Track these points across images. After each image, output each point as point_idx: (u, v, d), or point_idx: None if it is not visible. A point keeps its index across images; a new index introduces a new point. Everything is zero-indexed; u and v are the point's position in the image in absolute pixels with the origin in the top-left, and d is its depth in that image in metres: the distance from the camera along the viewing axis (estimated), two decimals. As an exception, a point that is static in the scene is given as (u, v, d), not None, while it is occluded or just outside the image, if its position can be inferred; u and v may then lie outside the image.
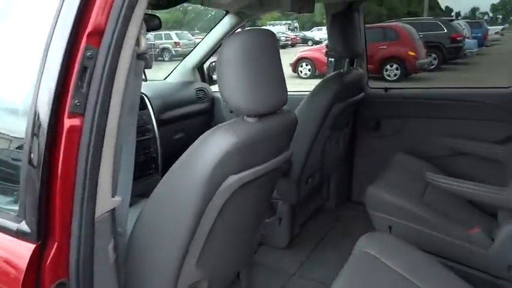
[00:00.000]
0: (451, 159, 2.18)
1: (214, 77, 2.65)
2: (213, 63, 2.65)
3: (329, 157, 2.06)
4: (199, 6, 2.54)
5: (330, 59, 2.33)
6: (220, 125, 1.03)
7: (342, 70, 2.02)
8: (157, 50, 15.18)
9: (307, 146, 1.85)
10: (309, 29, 26.02)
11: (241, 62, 1.00)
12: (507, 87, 2.07)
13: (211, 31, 2.53)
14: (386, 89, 2.38)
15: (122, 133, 0.89)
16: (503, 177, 1.81)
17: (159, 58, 15.06)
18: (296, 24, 28.78)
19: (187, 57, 2.67)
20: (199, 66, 2.64)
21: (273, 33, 1.11)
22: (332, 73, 1.99)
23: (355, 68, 2.15)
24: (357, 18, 1.99)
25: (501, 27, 24.54)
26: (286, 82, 1.13)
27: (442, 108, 2.20)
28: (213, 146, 0.98)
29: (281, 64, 1.14)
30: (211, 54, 2.66)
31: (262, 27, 1.27)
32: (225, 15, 2.43)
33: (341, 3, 2.17)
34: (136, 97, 1.01)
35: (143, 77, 1.03)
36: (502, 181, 1.81)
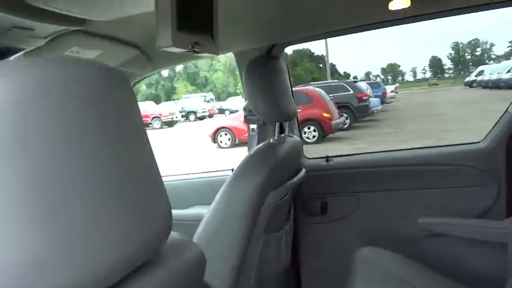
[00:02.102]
0: (426, 244, 1.62)
1: None
2: None
3: (269, 271, 1.36)
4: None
5: (251, 125, 1.71)
6: None
7: (271, 140, 1.40)
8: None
9: (234, 263, 1.13)
10: (225, 99, 26.64)
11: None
12: (478, 142, 1.63)
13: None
14: (327, 159, 1.81)
15: None
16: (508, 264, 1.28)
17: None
18: (212, 96, 29.28)
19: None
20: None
21: (123, 74, 0.45)
22: (259, 145, 1.34)
23: (289, 135, 1.55)
24: (283, 67, 1.43)
25: (394, 86, 27.70)
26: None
27: (403, 177, 1.68)
28: None
29: (149, 143, 0.47)
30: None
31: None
32: None
33: (256, 50, 1.61)
34: None
35: None
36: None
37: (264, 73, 1.30)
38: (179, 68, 38.71)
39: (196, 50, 0.85)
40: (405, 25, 1.55)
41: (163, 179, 0.49)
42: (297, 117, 1.82)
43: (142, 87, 37.95)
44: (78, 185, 0.37)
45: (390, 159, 1.74)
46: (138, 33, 1.28)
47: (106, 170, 0.40)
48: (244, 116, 1.63)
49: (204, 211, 1.22)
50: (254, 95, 1.29)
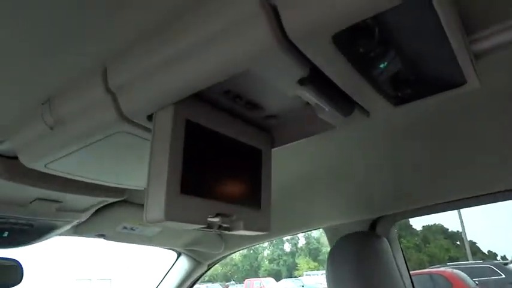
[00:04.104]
0: None
1: None
2: None
3: None
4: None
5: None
6: None
7: None
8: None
9: None
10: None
11: None
12: None
13: (160, 283, 1.63)
14: None
15: None
16: None
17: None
18: (334, 274, 27.21)
19: None
20: None
21: None
22: None
23: None
24: (388, 249, 1.03)
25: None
26: None
27: None
28: None
29: None
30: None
31: None
32: (178, 258, 1.58)
33: (354, 224, 1.22)
34: None
35: None
36: None
37: (356, 257, 0.94)
38: (302, 243, 38.30)
39: (225, 226, 0.56)
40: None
41: None
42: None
43: (265, 262, 37.84)
44: None
45: None
46: None
47: None
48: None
49: None
50: None
